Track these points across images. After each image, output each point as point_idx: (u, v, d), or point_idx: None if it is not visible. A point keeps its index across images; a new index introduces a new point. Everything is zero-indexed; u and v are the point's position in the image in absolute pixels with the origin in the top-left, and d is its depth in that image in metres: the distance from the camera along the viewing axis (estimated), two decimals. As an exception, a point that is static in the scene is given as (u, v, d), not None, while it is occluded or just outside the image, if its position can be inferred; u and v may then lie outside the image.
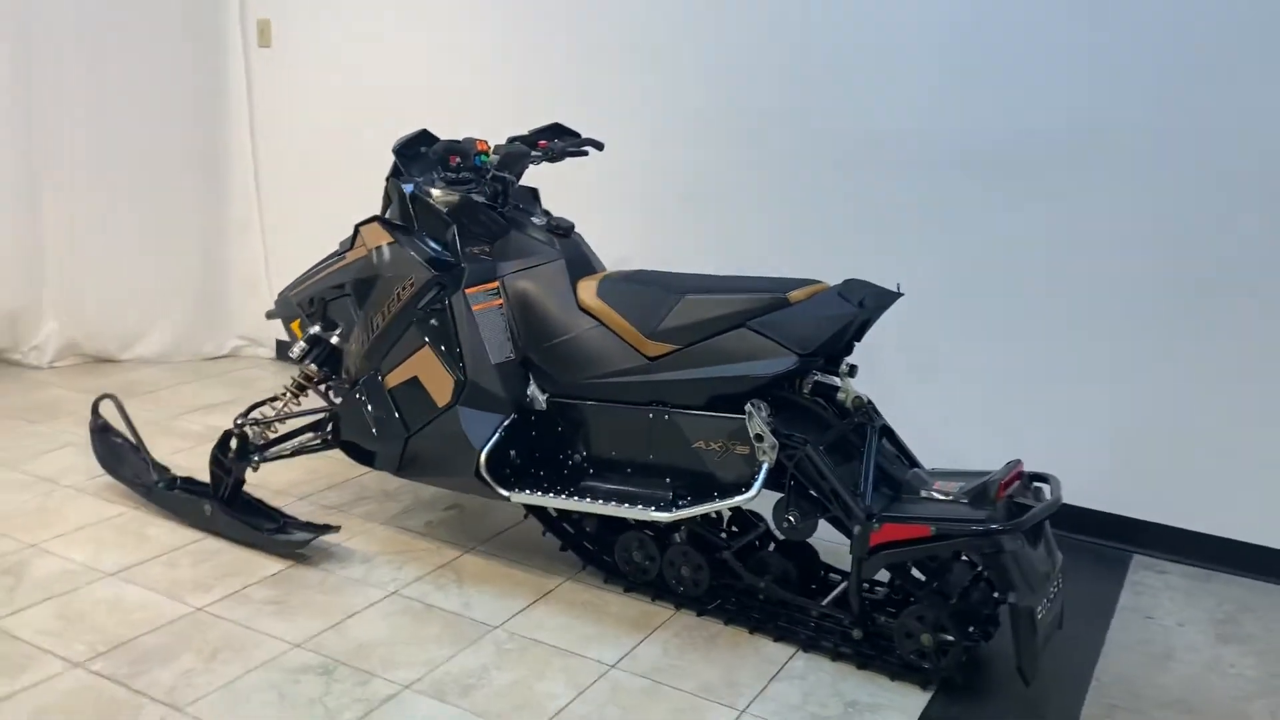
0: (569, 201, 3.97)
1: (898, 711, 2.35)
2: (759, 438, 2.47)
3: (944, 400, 3.46)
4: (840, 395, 2.58)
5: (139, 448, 3.26)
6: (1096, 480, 3.26)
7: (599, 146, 3.25)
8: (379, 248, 2.90)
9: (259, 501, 3.10)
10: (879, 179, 3.42)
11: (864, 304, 2.44)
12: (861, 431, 2.55)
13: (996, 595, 2.42)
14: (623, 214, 3.91)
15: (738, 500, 2.51)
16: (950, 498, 2.42)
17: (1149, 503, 3.21)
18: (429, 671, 2.42)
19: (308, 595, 2.74)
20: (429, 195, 2.88)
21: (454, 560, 2.97)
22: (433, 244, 2.85)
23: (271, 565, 2.90)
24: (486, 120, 4.07)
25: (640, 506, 2.61)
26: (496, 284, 2.84)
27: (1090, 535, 3.29)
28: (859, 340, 2.62)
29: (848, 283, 2.52)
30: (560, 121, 3.25)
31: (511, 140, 3.11)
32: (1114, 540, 3.26)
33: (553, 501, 2.70)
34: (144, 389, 4.41)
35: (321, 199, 4.61)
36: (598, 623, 2.67)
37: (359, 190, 4.35)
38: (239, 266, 4.83)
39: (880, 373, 3.52)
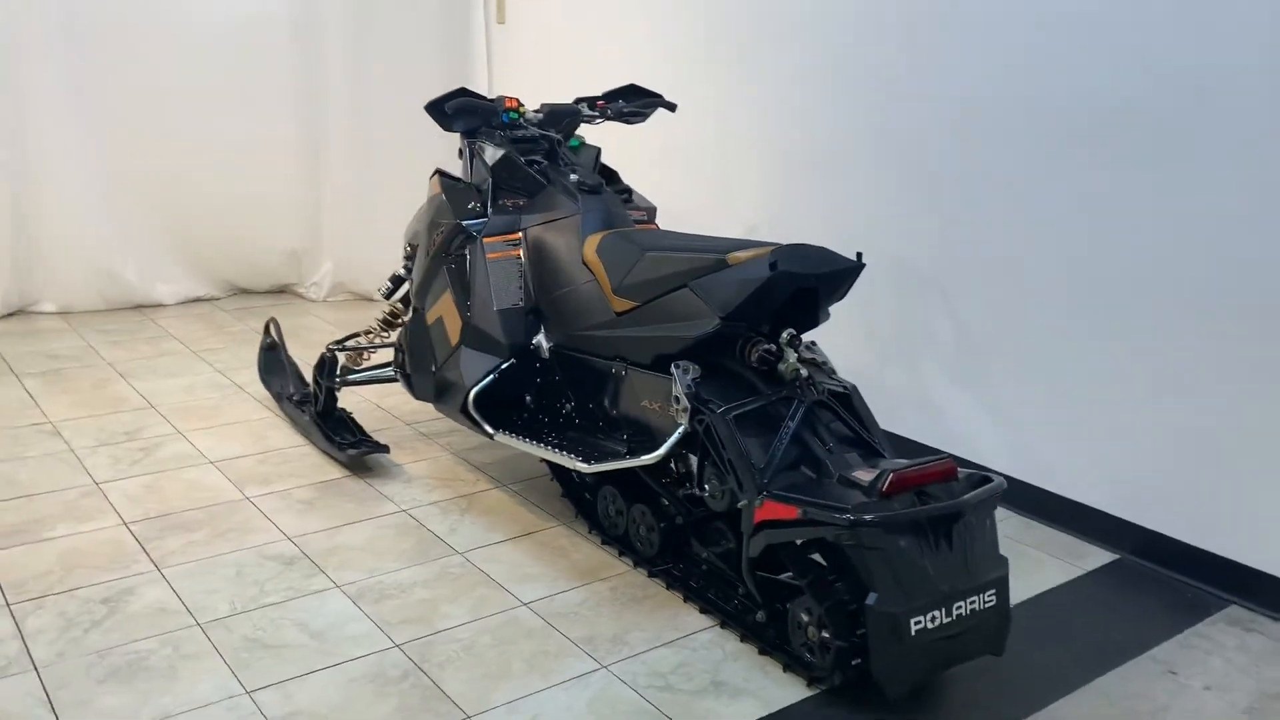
0: (696, 170, 3.99)
1: (758, 701, 2.21)
2: (677, 399, 2.42)
3: (1016, 396, 3.07)
4: (781, 366, 2.43)
5: (288, 366, 3.81)
6: (1197, 511, 2.73)
7: (670, 108, 3.28)
8: (433, 196, 3.16)
9: (349, 418, 3.51)
10: (977, 147, 3.09)
11: (775, 267, 2.28)
12: (789, 404, 2.39)
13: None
14: (749, 184, 3.85)
15: (643, 460, 2.48)
16: (856, 484, 2.22)
17: (1258, 547, 2.64)
18: (367, 578, 2.66)
19: (336, 501, 3.09)
20: (479, 151, 3.09)
21: (479, 493, 3.18)
22: (476, 194, 3.06)
23: (333, 472, 3.29)
24: (700, 88, 4.12)
25: (570, 455, 2.65)
26: (519, 235, 2.99)
27: (1183, 573, 2.77)
28: (813, 311, 2.46)
29: (781, 247, 2.36)
30: (635, 83, 3.31)
31: (577, 100, 3.24)
32: (1211, 584, 2.72)
33: (519, 444, 2.82)
34: (378, 324, 5.05)
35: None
36: (549, 565, 2.75)
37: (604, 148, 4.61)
38: (477, 223, 5.33)
39: (944, 357, 3.22)
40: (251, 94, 5.09)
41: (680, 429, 2.43)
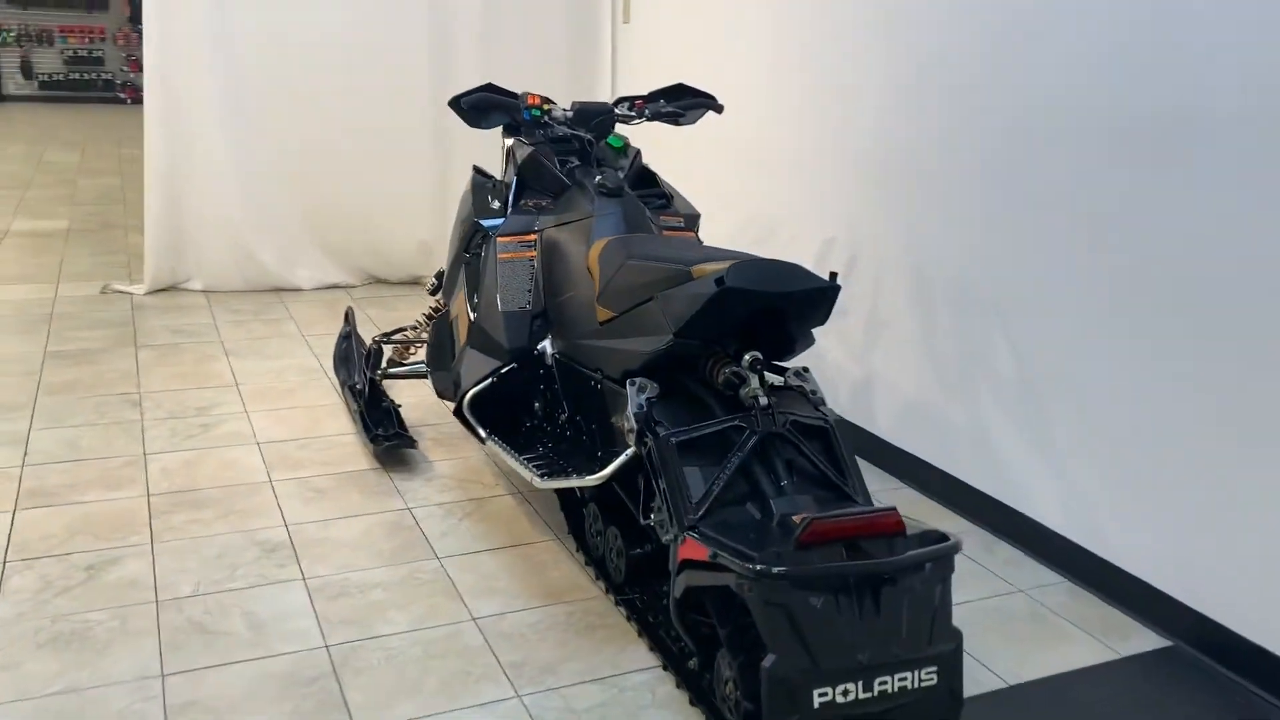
0: (789, 179, 3.77)
1: (661, 756, 2.02)
2: (627, 419, 2.25)
3: (1074, 446, 2.68)
4: (743, 391, 2.21)
5: (356, 355, 3.87)
6: (1270, 604, 2.29)
7: (717, 110, 3.10)
8: (465, 193, 3.11)
9: (395, 410, 3.52)
10: (1053, 164, 2.73)
11: (720, 283, 2.07)
12: (741, 432, 2.16)
13: None
14: (837, 194, 3.58)
15: (588, 481, 2.33)
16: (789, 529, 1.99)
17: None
18: (335, 574, 2.64)
19: (348, 492, 3.10)
20: (513, 149, 3.02)
21: (491, 498, 3.10)
22: (502, 193, 2.99)
23: (363, 463, 3.30)
24: (807, 93, 3.91)
25: (532, 468, 2.52)
26: (534, 236, 2.89)
27: (1241, 673, 2.33)
28: (784, 333, 2.23)
29: (741, 262, 2.14)
30: (684, 83, 3.14)
31: (618, 100, 3.10)
32: (1271, 691, 2.27)
33: (499, 451, 2.72)
34: (489, 320, 5.09)
35: (666, 163, 4.83)
36: (520, 581, 2.64)
37: (698, 155, 4.46)
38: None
39: (1003, 393, 2.86)
40: (387, 93, 5.23)
41: (628, 451, 2.26)
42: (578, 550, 2.77)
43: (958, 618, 2.53)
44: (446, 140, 5.34)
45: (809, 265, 3.69)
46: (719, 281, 2.07)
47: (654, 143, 4.89)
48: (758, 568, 1.82)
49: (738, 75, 4.14)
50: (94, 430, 3.46)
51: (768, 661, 1.83)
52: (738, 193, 4.14)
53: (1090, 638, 2.49)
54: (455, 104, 2.93)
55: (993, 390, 2.96)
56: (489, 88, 2.95)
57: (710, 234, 4.34)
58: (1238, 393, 2.30)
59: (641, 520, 2.31)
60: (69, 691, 2.13)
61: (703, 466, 2.14)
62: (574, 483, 2.41)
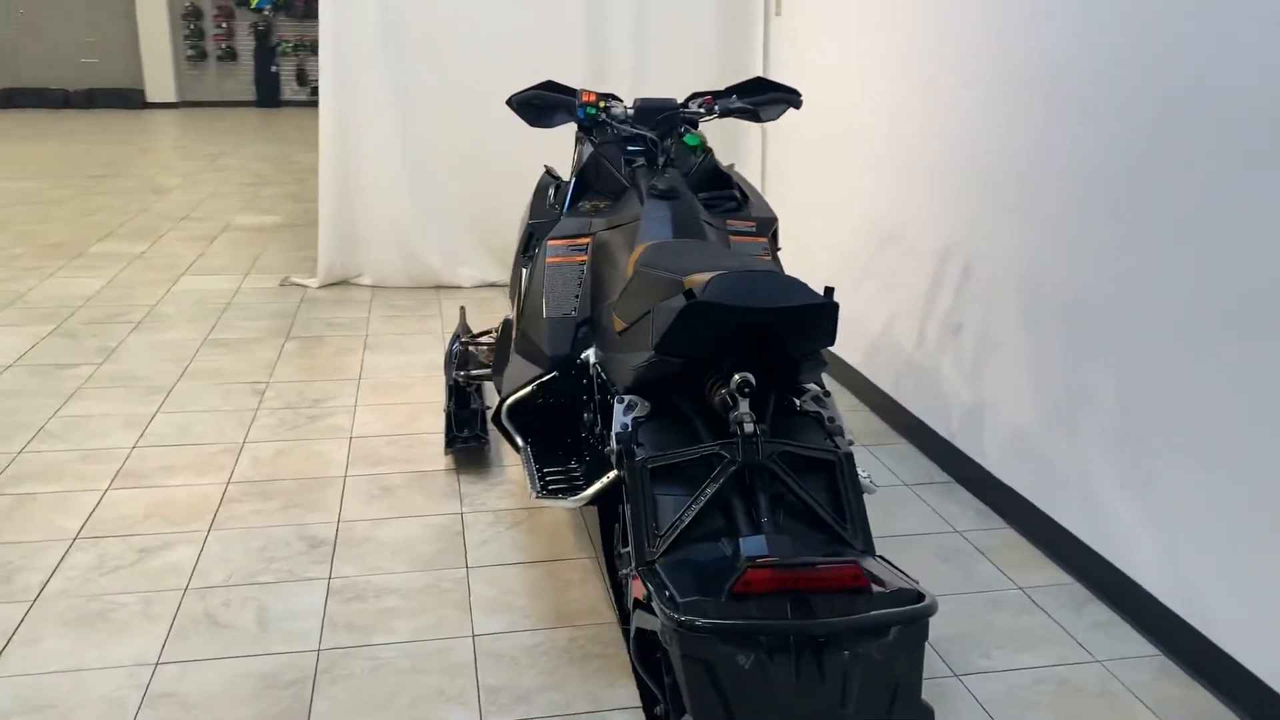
0: (918, 184, 3.45)
1: (600, 809, 1.86)
2: (608, 439, 2.10)
3: (1178, 504, 2.27)
4: (732, 415, 1.99)
5: (464, 351, 3.89)
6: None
7: (796, 105, 2.88)
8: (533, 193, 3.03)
9: (482, 412, 3.50)
10: (1183, 170, 2.32)
11: (691, 296, 1.87)
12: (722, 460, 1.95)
13: None
14: (956, 199, 3.23)
15: (568, 503, 2.18)
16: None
17: None
18: (361, 576, 2.63)
19: (413, 492, 3.09)
20: (579, 149, 2.91)
21: (544, 508, 3.01)
22: (569, 194, 2.89)
23: (440, 462, 3.30)
24: (958, 93, 3.62)
25: (534, 482, 2.40)
26: (587, 240, 2.76)
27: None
28: (781, 353, 2.00)
29: (725, 274, 1.92)
30: (763, 77, 2.91)
31: (691, 96, 2.93)
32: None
33: (525, 459, 2.61)
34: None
35: (820, 161, 4.58)
36: (537, 599, 2.53)
37: (851, 151, 4.20)
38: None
39: (1107, 436, 2.47)
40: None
41: (610, 473, 2.10)
42: (607, 570, 2.63)
43: (1014, 684, 2.22)
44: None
45: (923, 276, 3.37)
46: (689, 294, 1.88)
47: (777, 140, 4.66)
48: (679, 617, 1.62)
49: (892, 64, 3.84)
50: (211, 416, 3.65)
51: (682, 723, 1.63)
52: (870, 194, 3.85)
53: (1163, 727, 2.10)
54: (510, 103, 2.85)
55: (1098, 432, 2.57)
56: (546, 85, 2.85)
57: (832, 237, 4.06)
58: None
59: (619, 549, 2.15)
60: (68, 671, 2.22)
61: (677, 496, 1.95)
62: (560, 503, 2.27)
